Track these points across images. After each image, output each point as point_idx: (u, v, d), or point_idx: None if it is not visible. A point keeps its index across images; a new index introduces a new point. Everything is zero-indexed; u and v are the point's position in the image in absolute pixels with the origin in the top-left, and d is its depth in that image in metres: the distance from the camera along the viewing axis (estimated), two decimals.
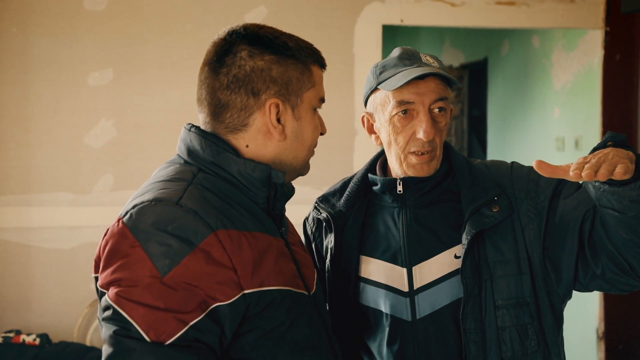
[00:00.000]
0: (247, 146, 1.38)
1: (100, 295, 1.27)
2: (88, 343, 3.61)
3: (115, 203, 3.61)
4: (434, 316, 1.67)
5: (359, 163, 3.75)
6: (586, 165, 1.36)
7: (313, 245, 1.85)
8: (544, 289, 1.65)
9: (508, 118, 5.33)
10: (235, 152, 1.38)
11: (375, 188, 1.77)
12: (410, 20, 3.86)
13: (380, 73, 1.70)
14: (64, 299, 3.62)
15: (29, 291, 3.62)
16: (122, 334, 1.19)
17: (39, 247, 3.61)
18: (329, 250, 1.76)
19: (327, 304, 1.74)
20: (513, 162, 1.77)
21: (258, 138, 1.38)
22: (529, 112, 5.02)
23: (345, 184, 1.84)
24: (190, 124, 1.42)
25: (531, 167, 1.70)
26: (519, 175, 1.71)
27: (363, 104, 1.79)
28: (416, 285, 1.68)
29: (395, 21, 3.84)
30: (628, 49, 3.96)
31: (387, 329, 1.71)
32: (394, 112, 1.67)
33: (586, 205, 1.60)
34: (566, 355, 1.77)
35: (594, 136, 4.15)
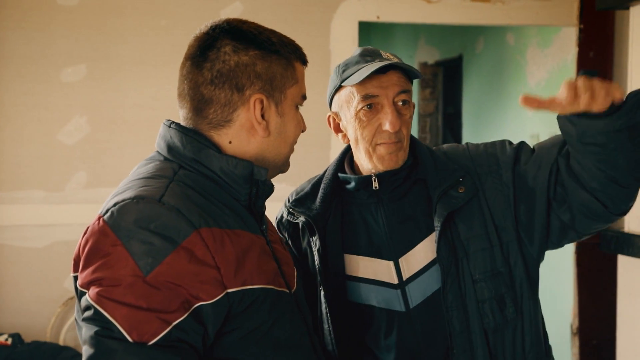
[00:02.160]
0: (230, 142, 1.37)
1: (80, 295, 1.24)
2: (61, 342, 3.57)
3: (89, 201, 3.57)
4: (427, 302, 1.72)
5: None
6: (581, 90, 1.45)
7: (293, 249, 1.85)
8: (519, 255, 1.72)
9: (483, 115, 5.36)
10: (217, 148, 1.36)
11: (348, 187, 1.79)
12: (386, 17, 3.86)
13: (343, 71, 1.74)
14: (36, 298, 3.57)
15: (1, 290, 3.57)
16: (104, 335, 1.17)
17: (11, 245, 3.56)
18: (316, 252, 1.76)
19: (323, 304, 1.75)
20: (467, 143, 1.84)
21: (241, 134, 1.37)
22: (503, 109, 5.05)
23: (315, 185, 1.85)
24: (169, 120, 1.41)
25: (486, 143, 1.79)
26: (477, 153, 1.77)
27: (328, 106, 1.82)
28: (405, 276, 1.73)
29: (371, 17, 3.84)
30: (602, 46, 3.98)
31: (382, 323, 1.74)
32: (360, 107, 1.70)
33: (548, 163, 1.68)
34: None
35: None
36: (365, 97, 1.70)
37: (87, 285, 1.22)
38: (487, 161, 1.75)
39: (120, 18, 3.62)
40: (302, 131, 1.47)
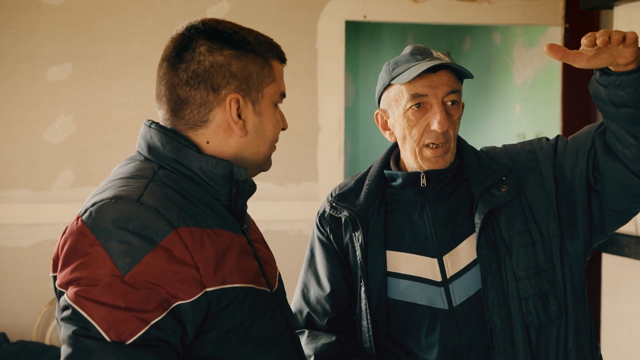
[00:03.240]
0: (207, 142, 1.37)
1: (59, 294, 1.24)
2: (47, 342, 3.56)
3: (75, 200, 3.56)
4: (470, 301, 1.72)
5: (322, 159, 3.75)
6: (598, 34, 1.49)
7: (334, 244, 1.84)
8: (563, 252, 1.72)
9: (470, 114, 5.37)
10: (197, 148, 1.36)
11: (394, 183, 1.80)
12: (373, 16, 3.87)
13: (393, 69, 1.75)
14: (22, 297, 3.56)
15: None
16: (82, 334, 1.17)
17: None
18: (358, 248, 1.76)
19: (363, 300, 1.75)
20: (504, 144, 1.85)
21: (219, 134, 1.37)
22: (490, 108, 5.07)
23: (359, 181, 1.85)
24: (150, 120, 1.41)
25: (523, 142, 1.80)
26: (515, 152, 1.79)
27: (376, 103, 1.83)
28: (449, 274, 1.73)
29: (358, 17, 3.85)
30: None
31: (425, 320, 1.74)
32: (408, 106, 1.71)
33: (585, 150, 1.69)
34: None
35: (555, 132, 4.20)
36: (414, 96, 1.70)
37: (66, 285, 1.22)
38: (525, 158, 1.76)
39: (106, 17, 3.61)
40: (283, 129, 1.46)
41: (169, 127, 1.38)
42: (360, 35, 6.79)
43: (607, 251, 3.44)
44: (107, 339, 1.17)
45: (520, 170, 1.75)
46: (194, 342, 1.28)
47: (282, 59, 1.43)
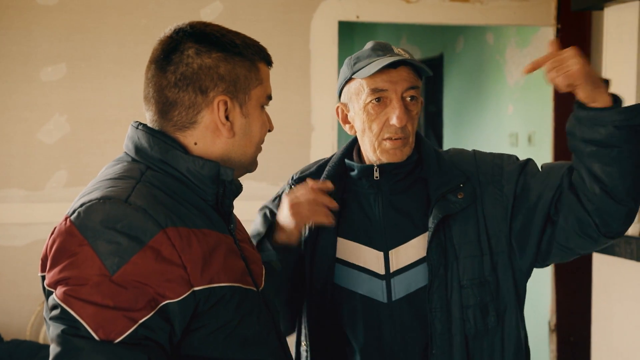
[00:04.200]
0: (195, 144, 1.39)
1: (48, 294, 1.26)
2: (41, 341, 3.57)
3: (69, 199, 3.53)
4: (409, 298, 1.74)
5: (315, 159, 3.75)
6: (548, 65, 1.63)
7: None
8: (509, 266, 1.75)
9: (463, 114, 5.40)
10: (184, 149, 1.38)
11: (352, 173, 1.82)
12: (365, 17, 3.89)
13: (355, 64, 1.77)
14: (16, 296, 3.57)
15: None
16: (71, 333, 1.19)
17: None
18: (305, 231, 1.78)
19: (308, 283, 1.77)
20: (475, 150, 1.86)
21: (206, 135, 1.38)
22: (483, 108, 5.09)
23: (321, 167, 1.88)
24: (137, 122, 1.43)
25: (494, 153, 1.83)
26: (484, 161, 1.80)
27: (337, 96, 1.86)
28: (392, 269, 1.75)
29: (351, 17, 3.87)
30: (579, 46, 3.99)
31: (362, 311, 1.76)
32: (368, 100, 1.73)
33: (555, 182, 1.71)
34: None
35: (547, 132, 4.22)
36: (374, 91, 1.73)
37: (54, 284, 1.23)
38: (491, 170, 1.78)
39: (100, 18, 3.62)
40: (269, 130, 1.48)
41: (156, 128, 1.40)
42: (354, 35, 6.80)
43: (597, 250, 3.46)
44: (96, 337, 1.18)
45: (482, 180, 1.77)
46: (181, 341, 1.29)
47: (269, 62, 1.46)
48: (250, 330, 1.36)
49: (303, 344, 1.81)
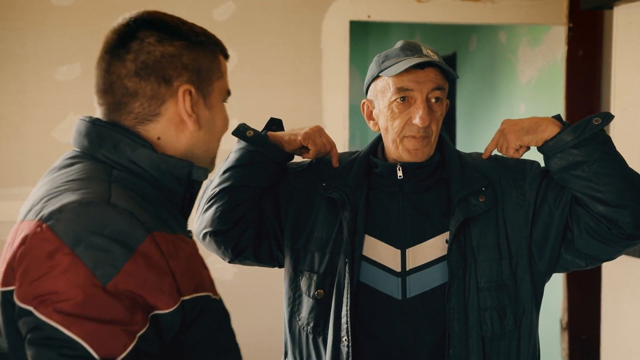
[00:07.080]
0: (158, 138, 1.28)
1: (19, 313, 1.10)
2: None
3: None
4: (424, 296, 1.77)
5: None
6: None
7: (288, 195, 1.90)
8: (528, 271, 1.77)
9: (476, 112, 5.40)
10: (151, 146, 1.27)
11: (376, 170, 1.85)
12: (377, 16, 3.90)
13: (383, 62, 1.81)
14: None
15: None
16: (68, 355, 1.05)
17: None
18: (346, 227, 1.78)
19: (347, 283, 1.77)
20: (497, 155, 1.89)
21: (170, 129, 1.28)
22: (496, 107, 5.09)
23: (352, 162, 1.89)
24: (89, 116, 1.32)
25: (516, 159, 1.87)
26: (506, 165, 1.84)
27: (364, 92, 1.90)
28: (408, 267, 1.77)
29: (362, 17, 3.88)
30: (591, 44, 4.02)
31: (377, 306, 1.78)
32: (393, 99, 1.76)
33: (568, 195, 1.76)
34: None
35: None
36: (399, 90, 1.75)
37: (31, 300, 1.08)
38: (514, 175, 1.81)
39: (114, 17, 3.61)
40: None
41: (116, 122, 1.28)
42: (369, 34, 6.82)
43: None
44: (97, 357, 1.06)
45: (505, 184, 1.80)
46: (164, 352, 1.18)
47: (226, 55, 1.38)
48: (224, 337, 1.28)
49: (344, 339, 1.77)
